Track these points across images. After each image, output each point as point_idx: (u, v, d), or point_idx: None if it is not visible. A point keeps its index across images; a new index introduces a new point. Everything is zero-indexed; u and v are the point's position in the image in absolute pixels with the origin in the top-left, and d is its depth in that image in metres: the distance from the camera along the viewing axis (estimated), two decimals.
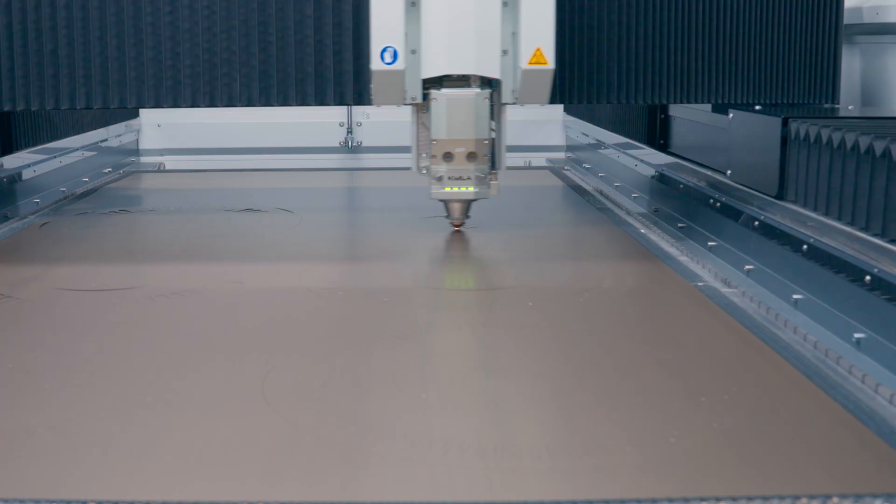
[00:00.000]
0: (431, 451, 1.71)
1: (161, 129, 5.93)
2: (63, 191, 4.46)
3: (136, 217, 3.97)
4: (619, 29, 3.51)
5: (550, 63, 3.14)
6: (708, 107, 3.72)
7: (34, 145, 4.30)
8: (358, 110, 5.92)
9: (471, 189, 3.35)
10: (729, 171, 3.39)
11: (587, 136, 5.39)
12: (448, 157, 3.30)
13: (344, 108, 5.88)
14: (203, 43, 3.40)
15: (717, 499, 1.50)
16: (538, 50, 3.13)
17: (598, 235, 3.57)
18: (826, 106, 3.65)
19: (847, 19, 3.73)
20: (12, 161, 4.10)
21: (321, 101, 3.44)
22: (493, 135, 3.34)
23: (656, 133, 4.28)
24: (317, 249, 3.41)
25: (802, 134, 2.87)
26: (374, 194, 4.60)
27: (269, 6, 3.39)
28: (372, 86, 3.24)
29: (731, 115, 3.41)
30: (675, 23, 3.53)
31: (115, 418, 1.87)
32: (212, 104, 3.43)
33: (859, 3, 3.79)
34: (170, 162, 5.88)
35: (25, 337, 2.40)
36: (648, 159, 4.26)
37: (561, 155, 5.89)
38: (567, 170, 5.34)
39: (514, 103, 3.27)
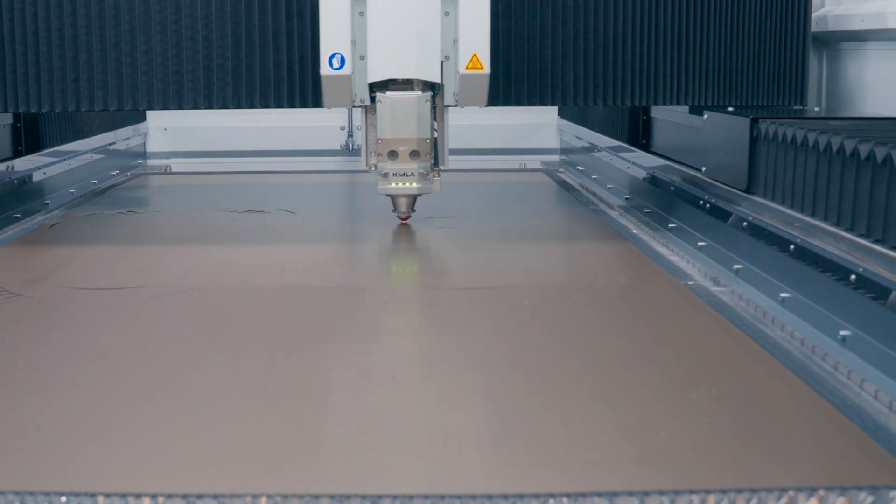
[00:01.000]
0: (430, 445, 1.71)
1: (167, 132, 5.92)
2: (72, 192, 4.45)
3: (143, 218, 3.96)
4: (605, 34, 3.64)
5: (486, 68, 3.31)
6: (685, 108, 3.83)
7: (50, 147, 4.36)
8: (358, 114, 5.91)
9: (414, 185, 3.47)
10: (704, 168, 3.50)
11: (580, 139, 5.39)
12: (393, 154, 3.42)
13: (345, 113, 5.88)
14: (202, 50, 3.54)
15: (707, 491, 1.49)
16: (475, 56, 3.30)
17: (591, 236, 3.57)
18: (795, 108, 3.77)
19: (814, 27, 3.88)
20: (23, 164, 4.10)
21: (291, 104, 3.59)
22: (436, 134, 3.47)
23: (639, 133, 4.37)
24: (318, 249, 3.40)
25: (770, 133, 2.96)
26: (374, 196, 4.59)
27: (253, 17, 3.54)
28: (322, 89, 3.37)
29: (705, 115, 3.52)
30: (655, 30, 3.65)
31: (121, 413, 1.87)
32: (209, 106, 3.58)
33: (825, 12, 3.85)
34: (176, 164, 5.87)
35: (35, 334, 2.39)
36: (639, 161, 4.28)
37: (555, 158, 5.89)
38: (561, 172, 5.34)
39: (455, 105, 3.43)
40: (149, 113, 5.78)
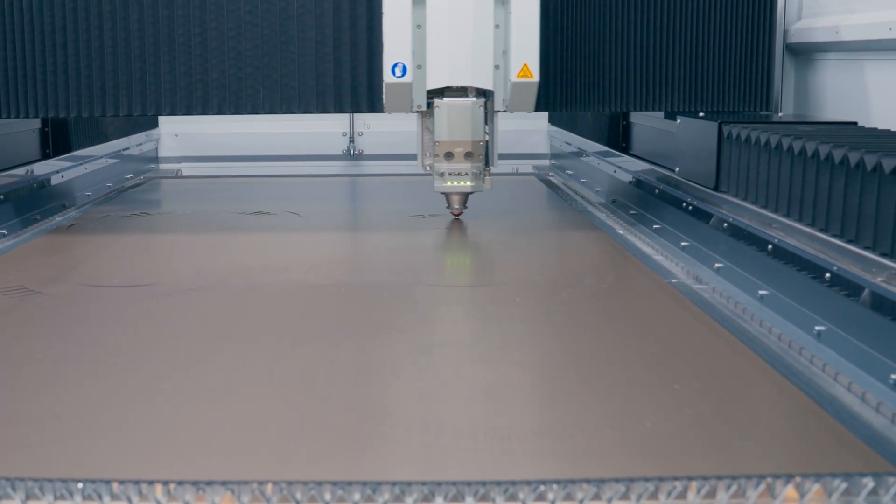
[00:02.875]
0: (427, 434, 1.71)
1: (178, 138, 5.92)
2: (88, 195, 4.45)
3: (155, 219, 3.96)
4: (591, 46, 3.76)
5: (535, 76, 3.40)
6: (661, 114, 3.91)
7: (76, 150, 4.44)
8: (359, 122, 5.91)
9: (468, 183, 3.58)
10: (677, 168, 3.59)
11: (569, 144, 5.39)
12: (449, 156, 3.54)
13: (346, 120, 5.87)
14: (230, 59, 3.62)
15: (690, 478, 1.49)
16: (525, 65, 3.39)
17: (580, 236, 3.57)
18: (762, 113, 3.86)
19: (808, 38, 3.86)
20: (42, 168, 4.09)
21: (339, 109, 3.67)
22: (487, 137, 3.57)
23: (619, 137, 4.43)
24: (321, 249, 3.40)
25: (735, 135, 3.05)
26: (374, 198, 4.59)
27: (291, 28, 3.62)
28: (384, 96, 3.47)
29: (678, 120, 3.61)
30: (636, 42, 3.78)
31: (135, 404, 1.86)
32: (237, 112, 3.66)
33: (801, 24, 3.89)
34: (186, 169, 5.86)
35: (53, 329, 2.39)
36: (624, 165, 4.29)
37: (546, 162, 5.89)
38: (551, 175, 5.33)
39: (504, 111, 3.51)
40: (161, 120, 5.78)
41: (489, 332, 2.38)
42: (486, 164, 3.59)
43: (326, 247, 3.46)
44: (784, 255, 2.57)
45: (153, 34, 3.59)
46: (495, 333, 2.37)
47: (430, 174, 3.60)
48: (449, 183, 3.58)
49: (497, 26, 3.40)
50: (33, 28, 3.58)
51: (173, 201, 4.51)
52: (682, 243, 3.20)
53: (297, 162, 5.85)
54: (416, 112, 3.52)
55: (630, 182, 4.09)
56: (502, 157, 5.83)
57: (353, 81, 3.63)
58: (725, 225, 2.99)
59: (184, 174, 5.75)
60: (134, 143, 5.41)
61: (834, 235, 2.42)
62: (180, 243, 3.49)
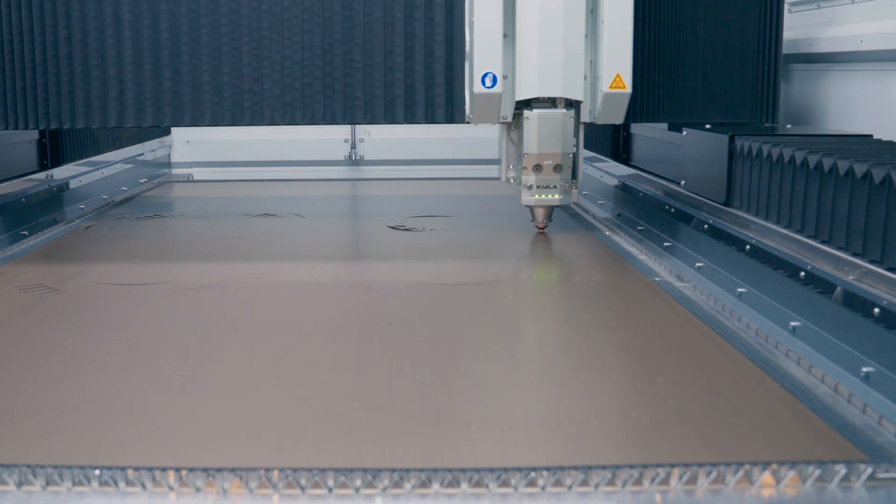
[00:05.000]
0: (424, 424, 1.71)
1: (190, 144, 5.92)
2: (104, 198, 4.44)
3: (168, 221, 3.96)
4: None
5: (628, 87, 3.20)
6: (664, 125, 3.74)
7: (72, 161, 4.34)
8: (360, 129, 5.91)
9: (556, 196, 3.39)
10: (683, 182, 3.40)
11: None
12: (537, 168, 3.34)
13: (348, 126, 5.87)
14: (285, 69, 3.37)
15: (672, 465, 1.49)
16: (618, 76, 3.19)
17: (569, 237, 3.56)
18: (767, 125, 3.66)
19: (786, 50, 3.77)
20: (61, 172, 4.09)
21: (411, 120, 3.43)
22: (575, 149, 3.37)
23: (620, 148, 4.30)
24: (325, 249, 3.40)
25: (746, 149, 2.86)
26: (374, 201, 4.59)
27: (356, 37, 3.37)
28: (471, 106, 3.29)
29: (684, 132, 3.41)
30: (650, 56, 3.58)
31: (148, 395, 1.86)
32: (292, 122, 3.41)
33: (795, 36, 3.84)
34: (197, 173, 5.86)
35: (71, 324, 2.39)
36: (615, 171, 4.28)
37: None
38: None
39: (592, 122, 3.31)
40: (173, 128, 5.77)
41: (483, 327, 2.38)
42: (574, 176, 3.40)
43: (329, 247, 3.46)
44: (761, 255, 2.57)
45: (189, 42, 3.34)
46: (488, 328, 2.36)
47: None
48: (536, 196, 3.38)
49: (586, 36, 3.20)
50: (68, 41, 3.34)
51: (185, 204, 4.50)
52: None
53: (302, 167, 5.85)
54: (502, 123, 3.32)
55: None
56: (497, 161, 5.89)
57: (429, 92, 3.38)
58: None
59: (195, 178, 5.75)
60: (148, 150, 5.41)
61: (808, 236, 2.42)
62: (191, 244, 3.49)
